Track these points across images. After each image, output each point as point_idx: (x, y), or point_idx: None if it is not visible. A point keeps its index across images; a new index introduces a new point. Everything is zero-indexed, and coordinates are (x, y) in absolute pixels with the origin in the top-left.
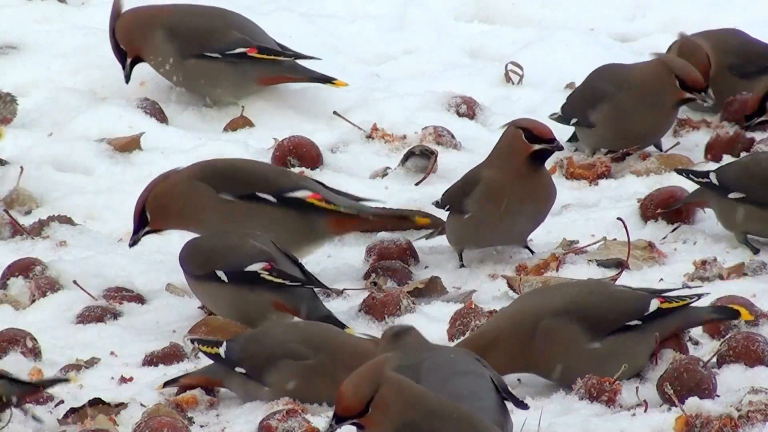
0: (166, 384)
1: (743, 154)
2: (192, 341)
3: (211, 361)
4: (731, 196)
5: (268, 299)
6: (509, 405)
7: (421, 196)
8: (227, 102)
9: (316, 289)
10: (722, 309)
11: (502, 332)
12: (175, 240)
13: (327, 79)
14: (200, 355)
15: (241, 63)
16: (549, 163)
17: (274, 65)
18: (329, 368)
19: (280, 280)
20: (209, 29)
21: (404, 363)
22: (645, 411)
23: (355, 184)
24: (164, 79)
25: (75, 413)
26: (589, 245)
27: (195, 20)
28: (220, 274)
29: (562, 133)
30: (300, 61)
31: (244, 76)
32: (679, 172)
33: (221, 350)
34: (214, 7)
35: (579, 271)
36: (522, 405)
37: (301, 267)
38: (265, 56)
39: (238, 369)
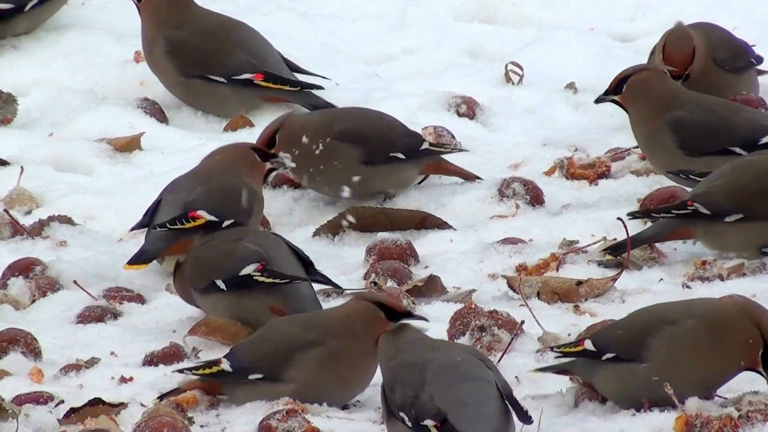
0: (163, 396)
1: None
2: (189, 371)
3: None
4: (728, 219)
5: (264, 303)
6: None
7: (421, 195)
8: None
9: (316, 289)
10: None
11: None
12: None
13: None
14: (200, 356)
15: (247, 86)
16: (549, 163)
17: (280, 91)
18: (345, 348)
19: (270, 280)
20: (212, 50)
21: (409, 359)
22: (645, 411)
23: None
24: None
25: (75, 413)
26: (589, 245)
27: (197, 38)
28: (219, 283)
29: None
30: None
31: (250, 96)
32: (650, 214)
33: (225, 366)
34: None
35: (579, 271)
36: (525, 417)
37: (307, 264)
38: (271, 84)
39: (252, 376)
